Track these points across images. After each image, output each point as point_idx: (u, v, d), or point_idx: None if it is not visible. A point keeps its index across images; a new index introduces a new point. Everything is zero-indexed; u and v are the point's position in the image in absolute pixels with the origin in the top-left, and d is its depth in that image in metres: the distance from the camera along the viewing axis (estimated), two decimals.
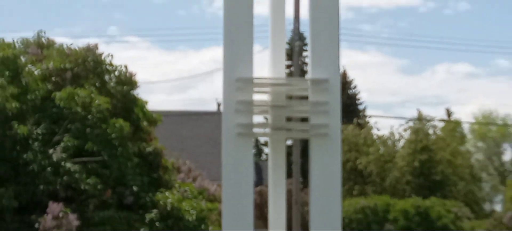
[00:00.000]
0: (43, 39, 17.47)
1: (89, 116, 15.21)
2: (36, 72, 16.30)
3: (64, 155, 14.72)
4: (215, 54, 75.56)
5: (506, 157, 59.65)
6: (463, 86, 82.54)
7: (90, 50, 16.70)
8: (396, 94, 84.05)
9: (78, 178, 14.57)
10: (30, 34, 26.53)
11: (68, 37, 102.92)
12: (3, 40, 16.71)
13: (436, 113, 74.55)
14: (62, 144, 14.96)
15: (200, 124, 41.44)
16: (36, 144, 14.87)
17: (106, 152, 15.09)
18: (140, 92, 17.42)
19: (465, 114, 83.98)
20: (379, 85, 79.37)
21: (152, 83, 69.92)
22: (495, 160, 59.47)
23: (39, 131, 15.20)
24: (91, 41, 18.01)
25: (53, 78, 16.32)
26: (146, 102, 17.44)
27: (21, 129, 14.42)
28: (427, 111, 51.03)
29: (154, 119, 17.62)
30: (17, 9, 79.14)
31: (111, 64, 16.86)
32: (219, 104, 47.08)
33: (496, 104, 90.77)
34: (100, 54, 16.77)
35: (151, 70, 75.86)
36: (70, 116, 15.18)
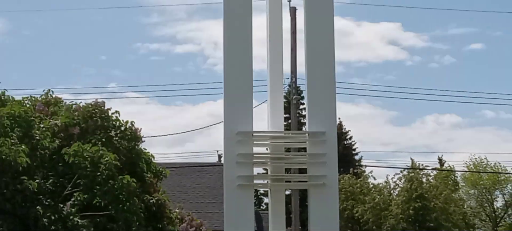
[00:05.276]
0: (50, 97, 17.49)
1: (98, 173, 15.13)
2: (44, 129, 16.28)
3: (73, 210, 14.65)
4: (211, 109, 75.59)
5: (497, 204, 59.50)
6: (452, 136, 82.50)
7: (97, 107, 16.70)
8: (387, 144, 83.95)
9: None
10: (32, 92, 26.60)
11: (69, 94, 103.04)
12: (13, 98, 16.75)
13: (427, 162, 74.04)
14: (72, 199, 14.88)
15: (202, 175, 41.34)
16: (44, 198, 14.80)
17: (114, 207, 15.02)
18: (143, 146, 17.35)
19: (455, 163, 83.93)
20: (370, 136, 79.44)
21: (152, 137, 69.82)
22: (487, 207, 59.24)
23: (48, 185, 15.14)
24: (92, 97, 18.07)
25: (61, 134, 16.28)
26: (152, 157, 17.40)
27: (32, 184, 14.36)
28: (418, 160, 50.73)
29: (160, 172, 17.57)
30: (17, 67, 79.10)
31: (117, 120, 16.85)
32: (220, 156, 47.00)
33: (484, 153, 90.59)
34: (107, 110, 16.78)
35: (150, 124, 75.80)
36: (78, 171, 15.13)
